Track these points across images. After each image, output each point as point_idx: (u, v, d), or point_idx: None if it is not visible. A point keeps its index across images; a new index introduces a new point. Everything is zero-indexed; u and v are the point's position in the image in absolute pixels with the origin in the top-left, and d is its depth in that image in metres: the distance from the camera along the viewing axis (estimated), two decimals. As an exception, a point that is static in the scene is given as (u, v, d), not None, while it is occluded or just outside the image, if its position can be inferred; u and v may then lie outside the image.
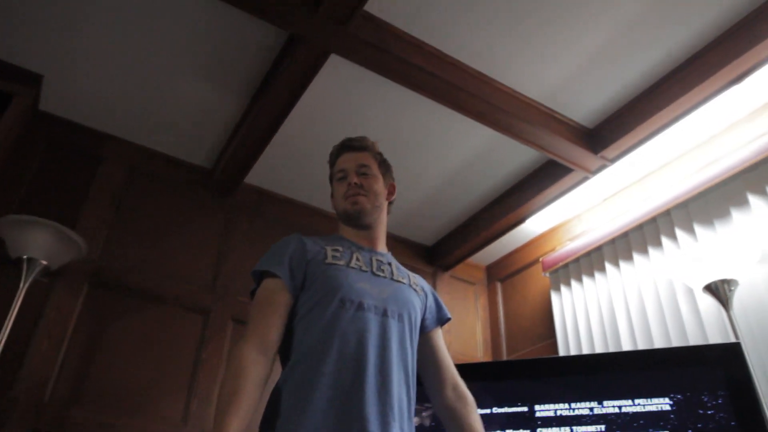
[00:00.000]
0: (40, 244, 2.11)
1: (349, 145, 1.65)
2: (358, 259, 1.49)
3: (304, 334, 1.36)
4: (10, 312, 2.03)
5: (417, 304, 1.52)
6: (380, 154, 1.68)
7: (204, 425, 2.39)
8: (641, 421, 1.89)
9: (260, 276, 1.45)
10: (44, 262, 2.14)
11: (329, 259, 1.45)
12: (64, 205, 2.52)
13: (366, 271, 1.47)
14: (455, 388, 1.54)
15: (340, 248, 1.50)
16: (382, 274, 1.50)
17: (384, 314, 1.40)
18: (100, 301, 2.42)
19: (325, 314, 1.35)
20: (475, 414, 1.51)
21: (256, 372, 1.28)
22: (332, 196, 1.64)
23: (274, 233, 3.00)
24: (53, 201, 2.50)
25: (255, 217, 3.01)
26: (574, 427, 1.97)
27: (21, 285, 2.08)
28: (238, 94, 2.52)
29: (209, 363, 2.52)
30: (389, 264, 1.56)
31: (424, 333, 1.56)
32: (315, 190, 3.02)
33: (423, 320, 1.56)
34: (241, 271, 2.80)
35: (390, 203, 1.69)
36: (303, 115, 2.53)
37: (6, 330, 1.99)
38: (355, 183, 1.56)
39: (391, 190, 1.68)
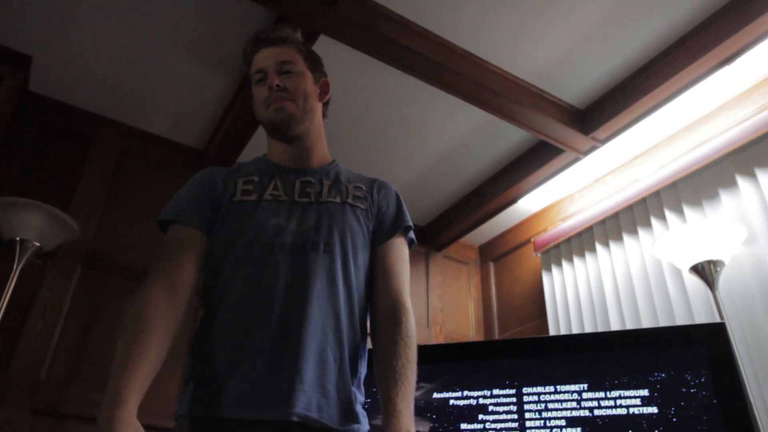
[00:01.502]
0: (33, 225, 2.13)
1: (264, 38, 1.35)
2: (276, 188, 1.27)
3: (213, 282, 1.20)
4: (5, 293, 2.05)
5: (355, 222, 1.26)
6: (305, 45, 1.41)
7: (198, 403, 2.42)
8: (626, 399, 1.93)
9: (163, 227, 1.27)
10: (37, 244, 2.15)
11: (237, 196, 1.25)
12: (57, 186, 2.52)
13: (284, 201, 1.24)
14: (391, 306, 1.20)
15: (256, 177, 1.29)
16: (305, 200, 1.26)
17: (302, 250, 1.17)
18: (93, 281, 2.45)
19: (231, 261, 1.17)
20: (400, 347, 1.15)
21: (161, 314, 1.08)
22: (253, 103, 1.37)
23: (267, 214, 3.01)
24: (45, 183, 2.51)
25: (248, 197, 3.02)
26: (559, 404, 2.01)
27: (14, 267, 2.10)
28: (229, 74, 2.51)
29: (203, 342, 2.55)
30: (320, 182, 1.30)
31: (375, 247, 1.28)
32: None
33: (374, 232, 1.30)
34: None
35: (325, 104, 1.43)
36: (294, 96, 2.53)
37: (0, 311, 2.02)
38: (277, 85, 1.28)
39: (324, 88, 1.41)
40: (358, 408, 1.14)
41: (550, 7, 2.13)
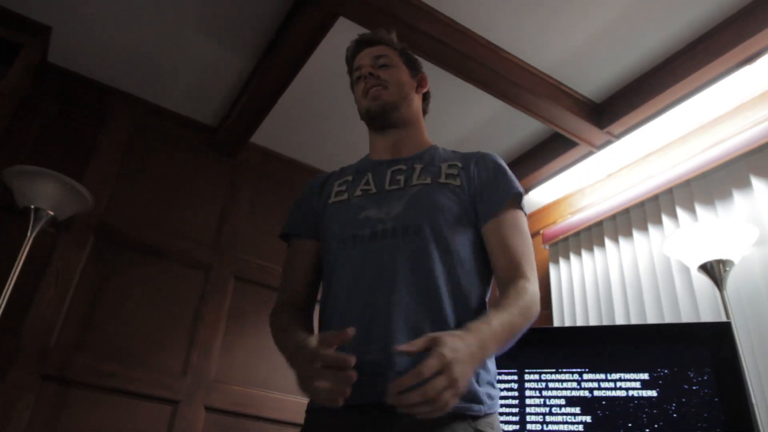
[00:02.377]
0: (48, 194, 2.15)
1: (363, 40, 1.42)
2: (367, 182, 1.29)
3: (326, 281, 1.26)
4: (18, 260, 2.08)
5: (448, 200, 1.21)
6: (401, 44, 1.45)
7: (203, 378, 2.46)
8: (628, 393, 1.94)
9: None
10: (51, 213, 2.17)
11: (332, 198, 1.31)
12: (71, 158, 2.55)
13: (374, 194, 1.25)
14: (510, 279, 1.14)
15: (351, 177, 1.33)
16: (396, 186, 1.25)
17: (391, 236, 1.16)
18: (105, 253, 2.48)
19: (332, 259, 1.23)
20: (510, 298, 1.09)
21: (282, 324, 1.18)
22: (357, 103, 1.41)
23: (278, 193, 3.03)
24: (60, 154, 2.53)
25: (259, 176, 3.04)
26: (561, 392, 2.02)
27: (28, 234, 2.13)
28: (247, 53, 2.51)
29: (210, 318, 2.58)
30: (412, 168, 1.29)
31: (486, 222, 1.21)
32: (320, 151, 3.03)
33: (479, 206, 1.23)
34: (244, 230, 2.85)
35: (425, 99, 1.46)
36: (310, 77, 2.53)
37: (13, 277, 2.05)
38: (370, 73, 1.34)
39: (421, 82, 1.44)
40: (477, 387, 1.07)
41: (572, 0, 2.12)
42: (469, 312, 1.14)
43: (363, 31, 2.18)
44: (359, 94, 1.36)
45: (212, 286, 2.66)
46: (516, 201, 1.24)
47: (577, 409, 1.97)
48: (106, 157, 2.63)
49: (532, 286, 1.13)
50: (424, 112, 1.47)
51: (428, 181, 1.25)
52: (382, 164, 1.32)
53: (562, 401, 2.01)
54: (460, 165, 1.29)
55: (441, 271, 1.14)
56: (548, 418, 2.00)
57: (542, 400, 2.03)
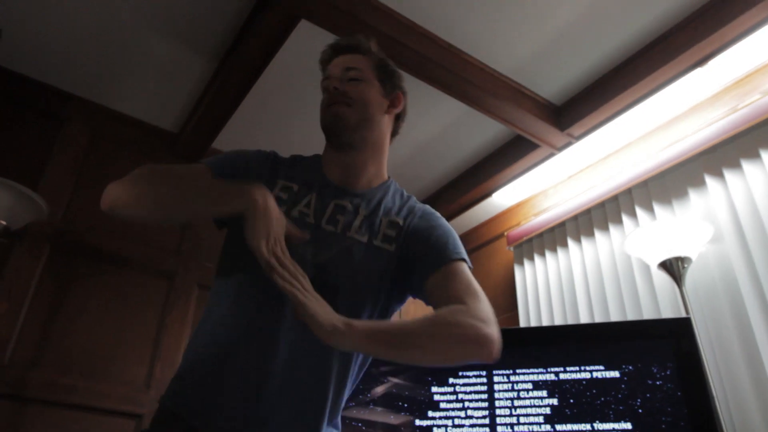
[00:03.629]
0: (0, 203, 2.07)
1: (338, 46, 1.31)
2: (308, 205, 1.17)
3: (219, 284, 1.15)
4: (-32, 272, 2.00)
5: (373, 266, 1.15)
6: (378, 55, 1.32)
7: (167, 389, 2.40)
8: (593, 390, 1.97)
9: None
10: (3, 223, 2.10)
11: None
12: (25, 165, 2.46)
13: (310, 224, 1.14)
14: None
15: (296, 186, 1.20)
16: (331, 228, 1.15)
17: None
18: (62, 263, 2.40)
19: (237, 271, 1.11)
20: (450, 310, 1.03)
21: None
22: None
23: (242, 200, 2.98)
24: (13, 161, 2.44)
25: (222, 183, 2.99)
26: (529, 392, 2.04)
27: (-21, 245, 2.05)
28: (207, 57, 2.48)
29: (173, 328, 2.52)
30: (356, 211, 1.19)
31: (424, 283, 1.13)
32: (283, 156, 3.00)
33: (412, 269, 1.16)
34: (207, 236, 2.79)
35: (397, 118, 1.35)
36: (272, 81, 2.50)
37: (-37, 290, 1.97)
38: (335, 88, 1.22)
39: (394, 102, 1.32)
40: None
41: (531, 2, 2.14)
42: (344, 384, 1.11)
43: (325, 33, 2.19)
44: (322, 105, 1.25)
45: (176, 294, 2.60)
46: (463, 261, 1.16)
47: (546, 410, 1.99)
48: (62, 164, 2.55)
49: (472, 312, 1.03)
50: (394, 133, 1.36)
51: (364, 239, 1.16)
52: (329, 188, 1.22)
53: (529, 385, 2.04)
54: (401, 223, 1.21)
55: (335, 352, 1.07)
56: (517, 419, 2.02)
57: (510, 401, 2.05)
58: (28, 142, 2.52)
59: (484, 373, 2.11)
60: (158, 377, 2.40)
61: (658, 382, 1.90)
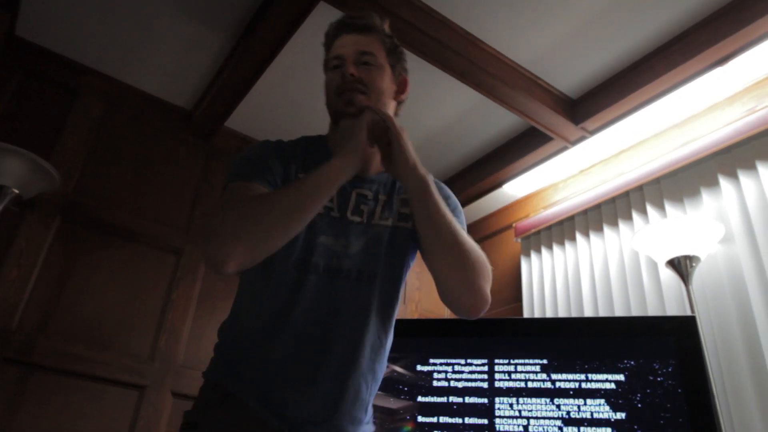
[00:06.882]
0: (13, 171, 2.08)
1: (350, 24, 1.26)
2: (331, 199, 1.18)
3: (246, 282, 1.20)
4: (-20, 238, 2.02)
5: (400, 247, 1.21)
6: (391, 37, 1.29)
7: (171, 363, 2.42)
8: (594, 384, 1.97)
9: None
10: (16, 191, 2.11)
11: None
12: (39, 136, 2.48)
13: (336, 218, 1.18)
14: None
15: None
16: (357, 219, 1.18)
17: (346, 276, 1.14)
18: (72, 234, 2.42)
19: (269, 270, 1.13)
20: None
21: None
22: (325, 88, 1.27)
23: (252, 180, 2.99)
24: (28, 131, 2.46)
25: (234, 162, 3.00)
26: (529, 383, 2.05)
27: (-9, 212, 2.07)
28: (224, 35, 2.47)
29: (179, 303, 2.55)
30: (376, 198, 1.23)
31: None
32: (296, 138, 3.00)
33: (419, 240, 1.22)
34: (217, 215, 2.80)
35: (399, 103, 1.32)
36: (288, 62, 2.50)
37: (-25, 256, 1.99)
38: (352, 75, 1.19)
39: (401, 87, 1.31)
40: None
41: (552, -8, 2.13)
42: (378, 371, 1.18)
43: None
44: (332, 88, 1.23)
45: (183, 270, 2.62)
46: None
47: (546, 398, 2.00)
48: (75, 136, 2.56)
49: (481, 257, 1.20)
50: (396, 114, 1.33)
51: (389, 223, 1.21)
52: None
53: (532, 390, 2.04)
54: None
55: (372, 328, 1.15)
56: (518, 406, 2.03)
57: (512, 390, 2.05)
58: (43, 113, 2.53)
59: (485, 361, 2.12)
60: (162, 350, 2.42)
61: (659, 378, 1.91)
